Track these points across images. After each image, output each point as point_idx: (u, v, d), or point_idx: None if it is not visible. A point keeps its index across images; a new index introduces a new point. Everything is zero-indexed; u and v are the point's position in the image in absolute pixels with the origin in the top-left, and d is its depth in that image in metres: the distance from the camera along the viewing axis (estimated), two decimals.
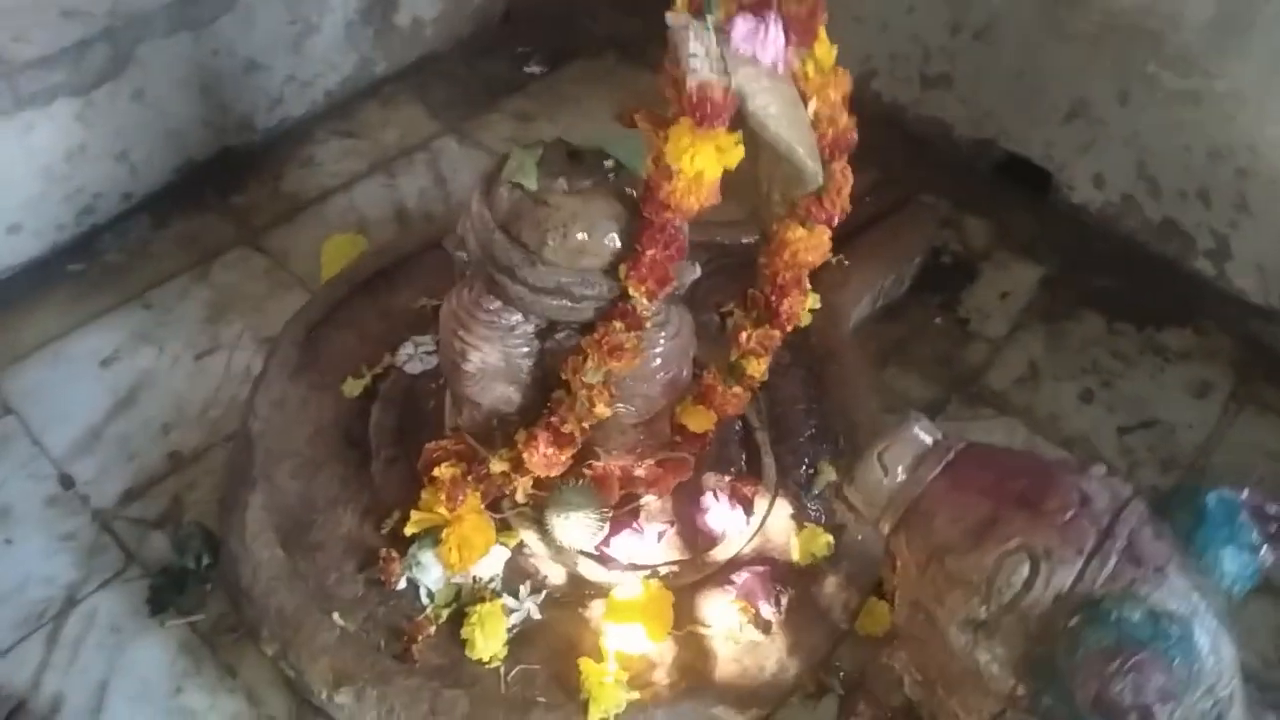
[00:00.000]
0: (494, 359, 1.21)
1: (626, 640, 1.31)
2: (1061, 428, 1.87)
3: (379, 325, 1.65)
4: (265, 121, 2.23)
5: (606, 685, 1.26)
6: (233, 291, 1.98)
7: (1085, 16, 2.05)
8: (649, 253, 1.09)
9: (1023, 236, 2.27)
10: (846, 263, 1.83)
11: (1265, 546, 0.92)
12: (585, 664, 1.28)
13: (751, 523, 1.45)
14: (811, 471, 1.54)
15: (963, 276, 2.17)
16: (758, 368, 1.34)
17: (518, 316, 1.19)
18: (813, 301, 1.63)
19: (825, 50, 1.04)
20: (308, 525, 1.41)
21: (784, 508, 1.49)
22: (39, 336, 1.85)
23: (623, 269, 1.12)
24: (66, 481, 1.67)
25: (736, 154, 0.98)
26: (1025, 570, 0.91)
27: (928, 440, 1.03)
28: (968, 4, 2.20)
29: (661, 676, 1.32)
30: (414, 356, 1.59)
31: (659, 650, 1.34)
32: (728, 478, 1.48)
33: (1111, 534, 0.91)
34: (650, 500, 1.44)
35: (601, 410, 1.21)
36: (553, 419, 1.22)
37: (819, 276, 1.72)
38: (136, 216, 2.09)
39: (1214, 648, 0.89)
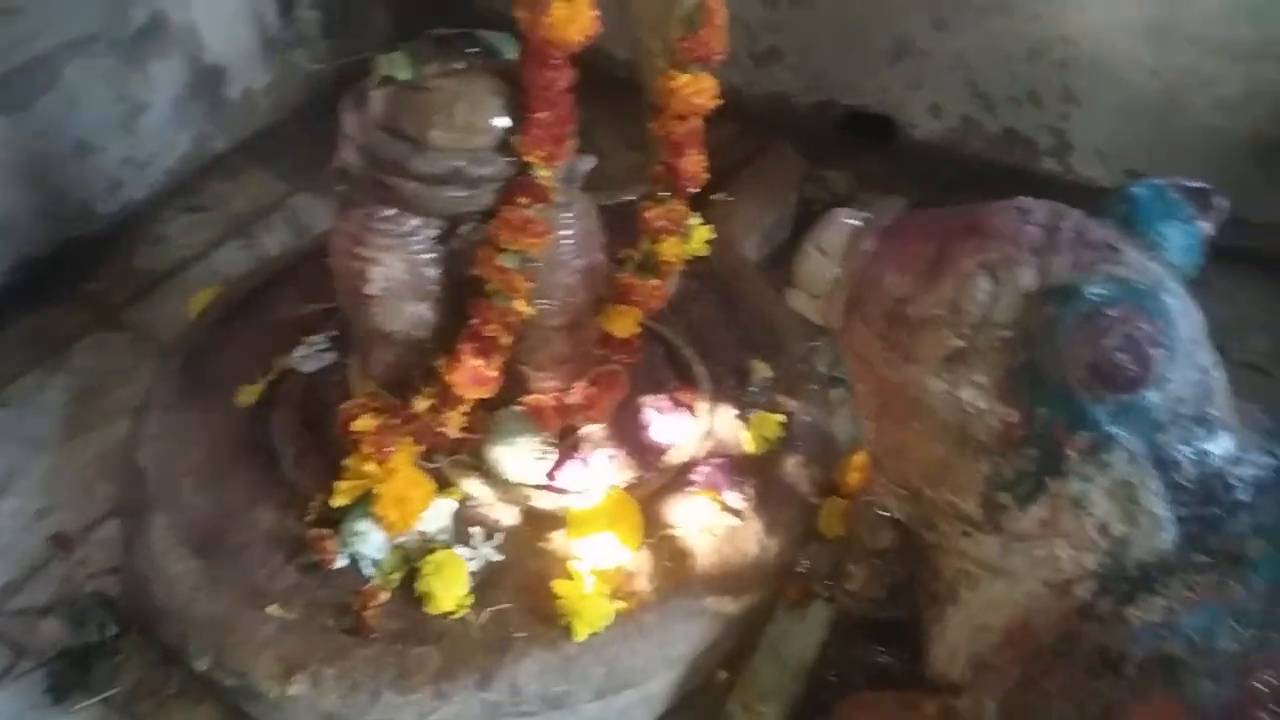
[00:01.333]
0: (398, 271, 1.14)
1: (599, 554, 1.22)
2: None
3: (263, 339, 1.55)
4: (106, 207, 2.12)
5: (588, 598, 1.16)
6: (96, 373, 1.83)
7: None
8: (539, 115, 1.06)
9: (881, 178, 2.35)
10: (729, 199, 1.88)
11: (1201, 218, 0.94)
12: (560, 585, 1.17)
13: (698, 425, 1.40)
14: (745, 371, 1.50)
15: None
16: (672, 249, 1.31)
17: (415, 220, 1.13)
18: (706, 232, 1.64)
19: None
20: (222, 532, 1.27)
21: (727, 410, 1.44)
22: None
23: (515, 139, 1.08)
24: None
25: None
26: (987, 284, 0.89)
27: (857, 221, 1.01)
28: None
29: (643, 584, 1.22)
30: (309, 356, 1.49)
31: (634, 560, 1.24)
32: (664, 395, 1.42)
33: (1058, 229, 0.90)
34: (591, 430, 1.37)
35: (522, 305, 1.14)
36: (473, 323, 1.15)
37: (707, 214, 1.74)
38: None
39: (1184, 311, 0.88)
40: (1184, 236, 0.93)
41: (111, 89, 2.07)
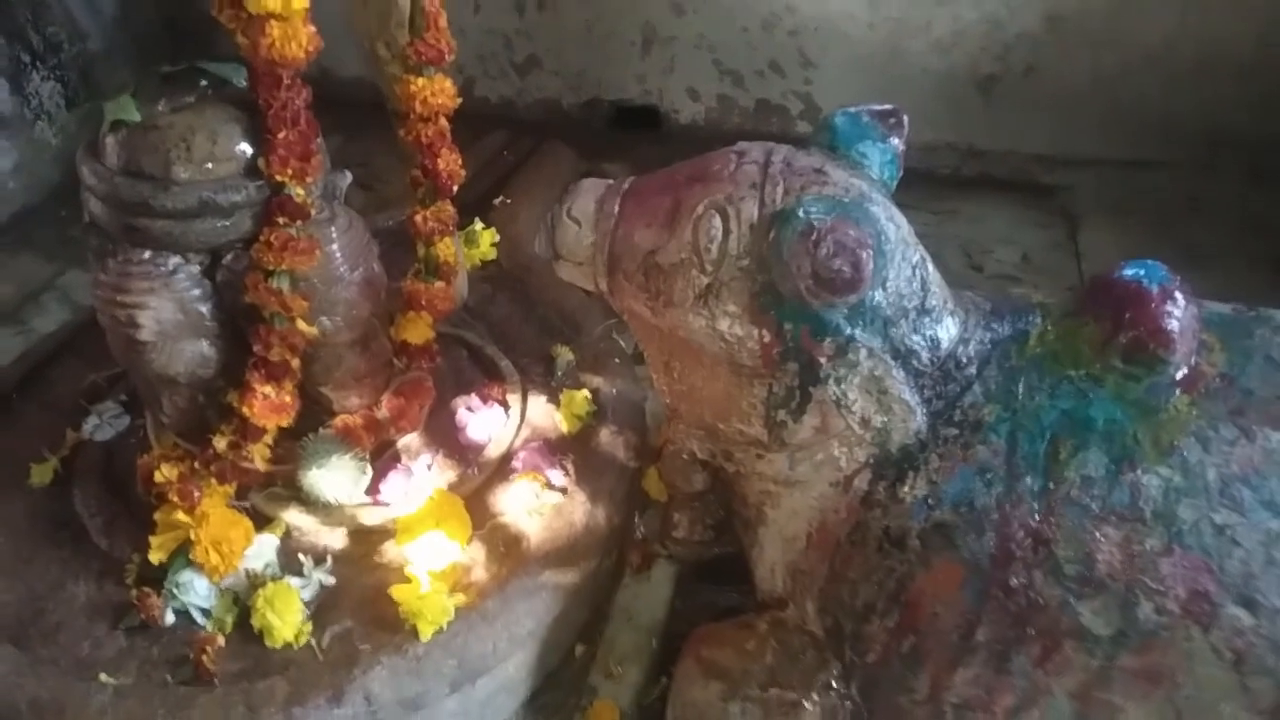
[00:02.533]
0: (168, 312, 1.13)
1: (431, 555, 1.24)
2: None
3: (49, 417, 1.49)
4: None
5: (426, 597, 1.18)
6: None
7: None
8: (281, 135, 1.08)
9: (656, 165, 2.46)
10: (509, 201, 1.94)
11: (892, 136, 1.07)
12: (397, 590, 1.19)
13: (512, 416, 1.44)
14: (549, 359, 1.56)
15: None
16: (447, 249, 1.35)
17: (175, 258, 1.13)
18: (491, 236, 1.70)
19: None
20: (36, 615, 1.22)
21: (537, 398, 1.50)
22: None
23: (262, 161, 1.10)
24: None
25: None
26: (717, 221, 0.98)
27: (600, 187, 1.09)
28: None
29: (480, 574, 1.26)
30: (101, 424, 1.45)
31: (468, 554, 1.28)
32: (474, 394, 1.46)
33: (770, 163, 1.00)
34: (406, 440, 1.39)
35: (303, 325, 1.16)
36: (257, 351, 1.15)
37: (490, 219, 1.80)
38: None
39: (889, 216, 1.00)
40: (881, 154, 1.05)
41: None
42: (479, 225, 1.78)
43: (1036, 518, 0.98)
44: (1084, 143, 2.30)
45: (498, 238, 1.74)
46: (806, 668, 1.15)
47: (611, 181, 1.09)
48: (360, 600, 1.23)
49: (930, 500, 1.02)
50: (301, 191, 1.11)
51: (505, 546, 1.29)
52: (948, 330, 1.04)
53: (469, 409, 1.44)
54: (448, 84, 1.24)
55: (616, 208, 1.06)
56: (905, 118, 1.08)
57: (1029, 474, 0.99)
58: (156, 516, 1.22)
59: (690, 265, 1.00)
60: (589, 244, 1.07)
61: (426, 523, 1.26)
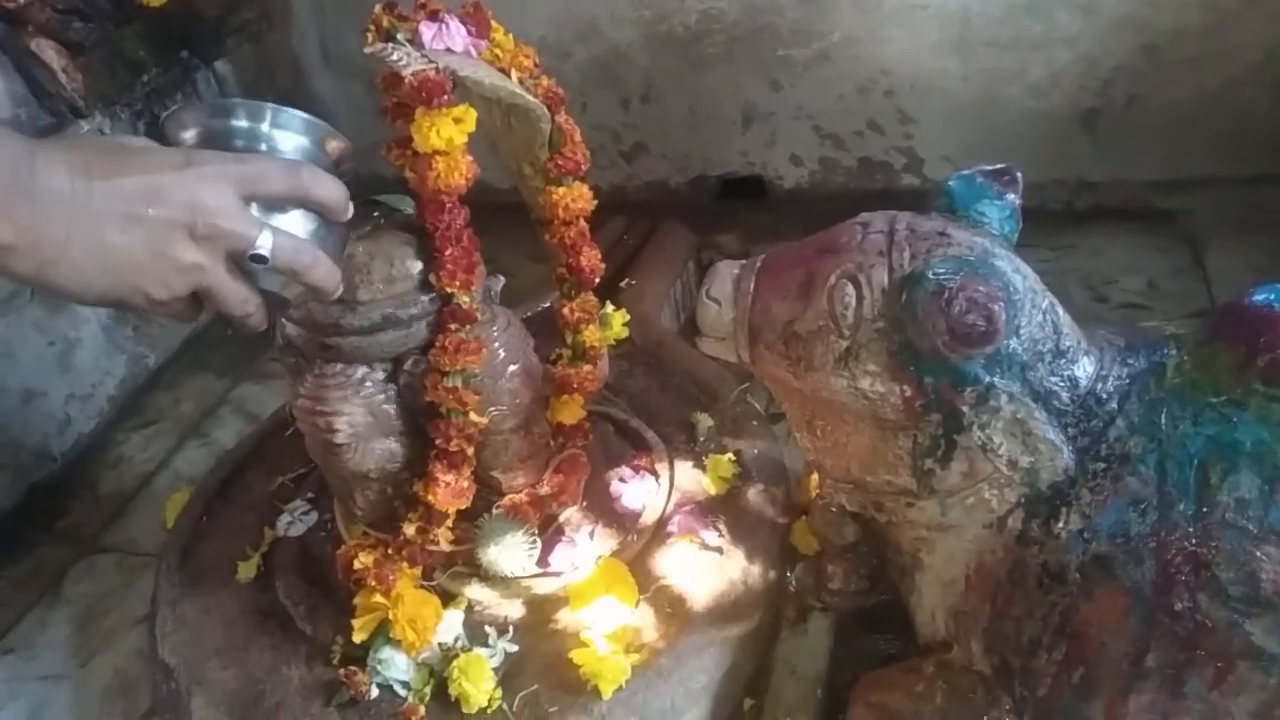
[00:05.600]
0: (360, 416, 1.27)
1: (604, 619, 1.33)
2: None
3: (247, 518, 1.65)
4: (61, 446, 2.21)
5: (605, 659, 1.26)
6: (93, 596, 1.91)
7: (712, 43, 2.46)
8: (448, 251, 1.22)
9: (766, 230, 2.57)
10: (634, 282, 2.06)
11: (1008, 193, 1.13)
12: (578, 654, 1.28)
13: (662, 483, 1.53)
14: (690, 426, 1.65)
15: None
16: (593, 335, 1.46)
17: (363, 368, 1.27)
18: (622, 316, 1.81)
19: (502, 35, 1.25)
20: (258, 697, 1.35)
21: (683, 464, 1.58)
22: None
23: (433, 277, 1.24)
24: None
25: (471, 117, 1.15)
26: (850, 289, 1.06)
27: (735, 267, 1.18)
28: (624, 79, 2.58)
29: (651, 635, 1.34)
30: (293, 521, 1.60)
31: (637, 616, 1.36)
32: (625, 465, 1.56)
33: (894, 231, 1.08)
34: (568, 514, 1.50)
35: (475, 416, 1.28)
36: (438, 443, 1.28)
37: (619, 300, 1.92)
38: None
39: (1015, 268, 1.06)
40: (999, 210, 1.11)
41: (43, 335, 2.19)
42: (610, 307, 1.89)
43: (1194, 542, 1.01)
44: (1197, 164, 2.29)
45: (628, 317, 1.84)
46: (977, 706, 1.18)
47: (744, 261, 1.18)
48: (543, 665, 1.32)
49: (1086, 534, 1.06)
50: (468, 299, 1.24)
51: (671, 606, 1.37)
52: (1084, 369, 1.08)
53: (622, 480, 1.53)
54: (585, 190, 1.36)
55: (752, 284, 1.15)
56: (1019, 174, 1.14)
57: (1181, 501, 1.02)
58: (356, 601, 1.34)
59: (828, 331, 1.07)
60: (729, 320, 1.16)
61: (597, 589, 1.35)
